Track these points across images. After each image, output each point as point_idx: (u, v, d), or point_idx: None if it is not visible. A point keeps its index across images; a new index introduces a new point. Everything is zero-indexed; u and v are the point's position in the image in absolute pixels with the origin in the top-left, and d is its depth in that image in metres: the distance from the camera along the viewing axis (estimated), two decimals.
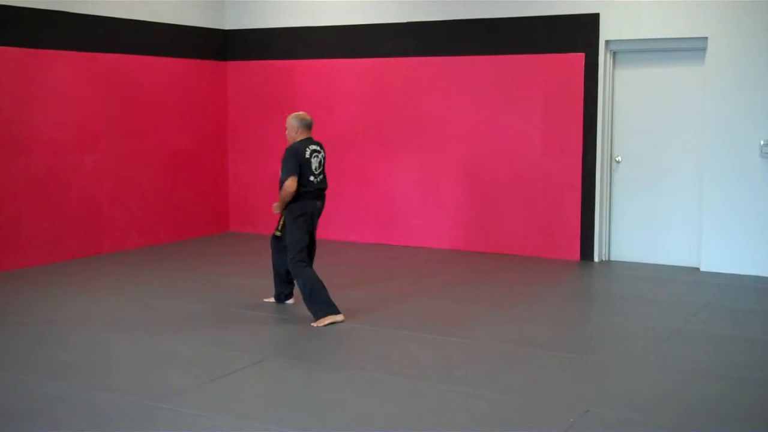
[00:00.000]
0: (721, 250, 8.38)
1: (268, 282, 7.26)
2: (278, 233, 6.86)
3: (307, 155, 6.59)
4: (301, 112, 6.84)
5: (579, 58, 8.84)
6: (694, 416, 4.72)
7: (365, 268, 8.66)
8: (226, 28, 10.69)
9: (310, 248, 6.81)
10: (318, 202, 6.71)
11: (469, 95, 9.39)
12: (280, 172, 6.66)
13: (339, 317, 6.53)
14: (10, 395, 5.02)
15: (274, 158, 10.58)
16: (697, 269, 8.52)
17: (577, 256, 9.02)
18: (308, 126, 6.73)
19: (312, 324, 6.46)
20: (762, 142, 8.13)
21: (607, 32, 8.71)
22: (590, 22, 8.76)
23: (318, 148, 6.70)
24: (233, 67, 10.73)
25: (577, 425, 4.54)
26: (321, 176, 6.70)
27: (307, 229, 6.68)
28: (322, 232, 10.21)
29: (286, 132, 6.76)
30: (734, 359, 5.74)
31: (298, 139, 6.67)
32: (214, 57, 10.58)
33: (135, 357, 5.74)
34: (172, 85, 10.02)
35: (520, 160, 9.19)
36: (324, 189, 6.75)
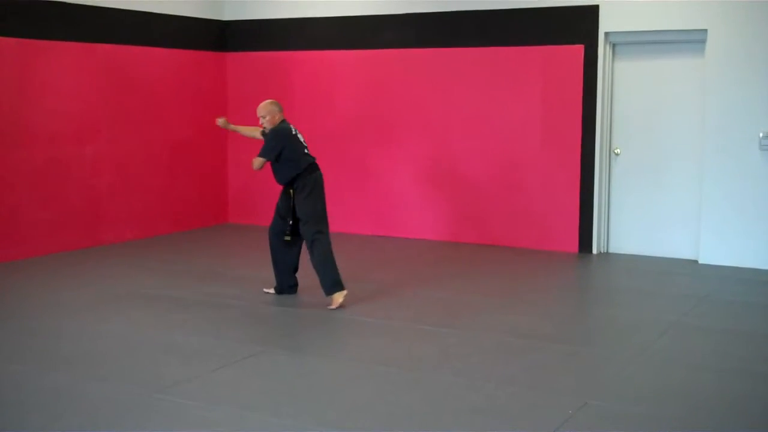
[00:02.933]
0: (720, 242, 8.39)
1: (267, 273, 7.26)
2: (287, 239, 6.90)
3: (293, 132, 6.88)
4: (270, 99, 7.03)
5: (578, 50, 8.83)
6: (692, 409, 4.73)
7: (363, 260, 8.66)
8: (225, 19, 10.67)
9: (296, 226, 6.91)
10: (320, 173, 6.92)
11: (468, 87, 9.38)
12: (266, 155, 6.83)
13: (344, 292, 6.74)
14: (8, 386, 5.03)
15: None
16: (696, 262, 8.53)
17: (575, 248, 9.02)
18: (280, 109, 6.97)
19: (330, 307, 6.65)
20: (761, 135, 8.12)
21: (606, 24, 8.70)
22: (590, 14, 8.75)
23: (293, 126, 6.98)
24: (232, 58, 10.71)
25: (576, 418, 4.55)
26: (308, 150, 6.95)
27: (322, 199, 6.84)
28: None
29: (267, 119, 6.88)
30: (733, 352, 5.75)
31: (279, 122, 6.91)
32: (213, 48, 10.56)
33: (133, 348, 5.75)
34: (171, 76, 10.01)
35: (519, 152, 9.19)
36: (315, 163, 6.96)
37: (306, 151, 6.87)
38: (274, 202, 7.08)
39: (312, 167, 6.83)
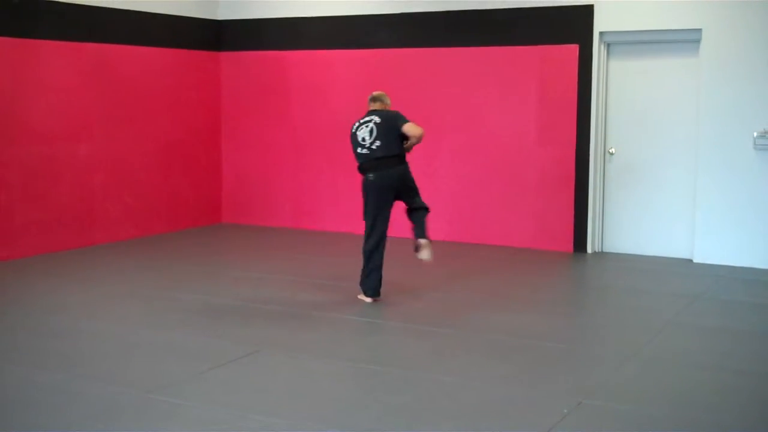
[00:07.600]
0: (715, 241, 8.40)
1: (260, 272, 7.23)
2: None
3: (354, 129, 6.86)
4: (378, 92, 7.10)
5: (573, 49, 8.83)
6: (686, 408, 4.73)
7: (357, 259, 8.63)
8: (219, 18, 10.65)
9: (409, 210, 7.15)
10: (370, 175, 6.82)
11: (463, 86, 9.38)
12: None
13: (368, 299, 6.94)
14: (3, 386, 5.01)
15: (267, 148, 10.58)
16: (690, 261, 8.54)
17: (570, 247, 9.03)
18: (371, 99, 6.99)
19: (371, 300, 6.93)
20: (755, 134, 8.14)
21: (601, 24, 8.71)
22: (584, 14, 8.75)
23: (369, 118, 6.82)
24: (226, 57, 10.69)
25: (570, 417, 4.55)
26: (373, 145, 6.74)
27: (374, 207, 6.99)
28: (315, 223, 10.22)
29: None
30: (727, 351, 5.76)
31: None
32: (207, 48, 10.54)
33: (129, 348, 5.73)
34: (165, 76, 9.99)
35: (514, 152, 9.19)
36: (380, 158, 6.75)
37: (361, 149, 6.76)
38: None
39: (361, 168, 6.84)
